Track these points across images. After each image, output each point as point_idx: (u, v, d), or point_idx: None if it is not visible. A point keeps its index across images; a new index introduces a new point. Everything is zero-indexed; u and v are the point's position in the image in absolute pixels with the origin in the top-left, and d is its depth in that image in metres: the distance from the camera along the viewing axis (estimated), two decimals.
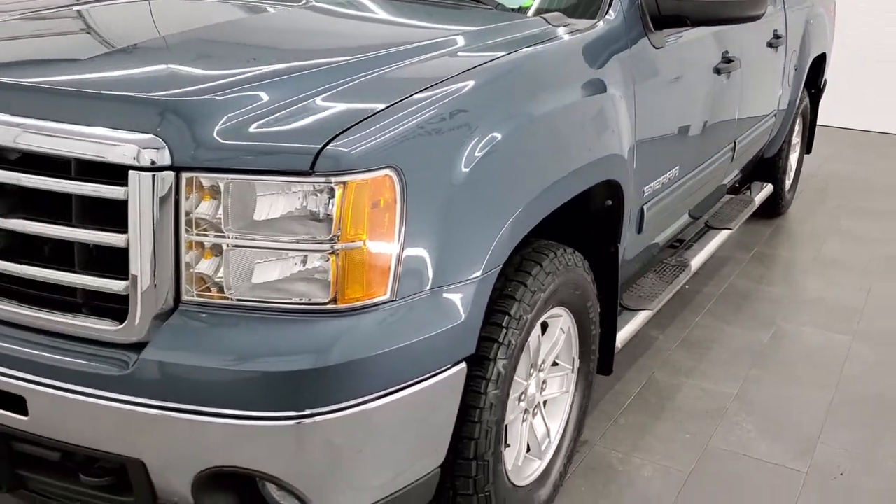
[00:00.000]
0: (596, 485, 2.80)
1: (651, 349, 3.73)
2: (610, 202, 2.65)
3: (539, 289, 2.23)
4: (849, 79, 7.41)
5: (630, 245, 2.89)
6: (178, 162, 1.72)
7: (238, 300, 1.78)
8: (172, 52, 2.16)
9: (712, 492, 2.79)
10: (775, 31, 4.31)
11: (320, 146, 1.70)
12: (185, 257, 1.76)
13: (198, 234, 1.75)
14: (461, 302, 1.91)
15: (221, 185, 1.73)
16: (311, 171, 1.69)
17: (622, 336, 2.94)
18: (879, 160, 7.09)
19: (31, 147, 1.79)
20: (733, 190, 4.71)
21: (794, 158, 5.60)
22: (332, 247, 1.73)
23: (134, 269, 1.76)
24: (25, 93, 1.86)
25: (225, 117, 1.76)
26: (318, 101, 1.85)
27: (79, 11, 2.67)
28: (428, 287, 1.86)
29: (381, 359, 1.77)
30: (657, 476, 2.86)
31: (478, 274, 1.94)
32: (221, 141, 1.73)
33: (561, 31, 2.50)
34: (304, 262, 1.75)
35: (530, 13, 2.72)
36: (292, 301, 1.77)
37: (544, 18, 2.57)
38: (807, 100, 5.52)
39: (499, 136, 2.01)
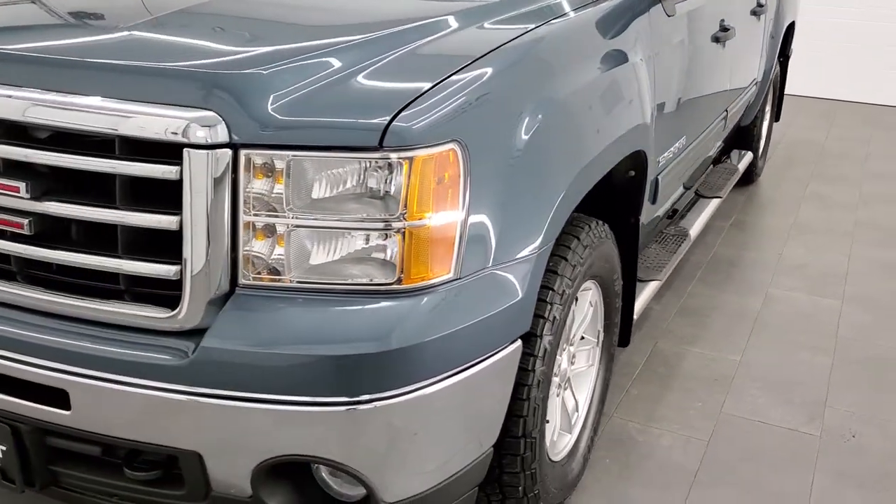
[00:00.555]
0: (619, 456, 2.79)
1: (650, 319, 3.75)
2: (633, 173, 2.62)
3: (578, 262, 2.20)
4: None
5: (645, 215, 2.88)
6: (237, 139, 1.64)
7: (298, 282, 1.71)
8: (211, 22, 2.05)
9: (733, 459, 2.81)
10: None
11: (388, 121, 1.63)
12: (243, 239, 1.68)
13: (256, 215, 1.67)
14: (519, 278, 1.87)
15: (282, 163, 1.65)
16: (379, 147, 1.62)
17: (637, 307, 2.94)
18: (830, 127, 7.22)
19: (72, 125, 1.68)
20: (715, 159, 4.74)
21: (765, 126, 5.66)
22: (398, 225, 1.66)
23: (187, 252, 1.67)
24: (67, 68, 1.75)
25: (284, 91, 1.67)
26: (368, 75, 1.77)
27: None
28: (489, 264, 1.81)
29: (447, 339, 1.72)
30: (677, 445, 2.87)
31: (535, 249, 1.90)
32: (282, 117, 1.64)
33: None
34: (369, 241, 1.68)
35: None
36: (355, 282, 1.70)
37: None
38: (777, 68, 5.57)
39: (549, 107, 1.97)
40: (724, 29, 3.49)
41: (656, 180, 2.88)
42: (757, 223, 5.04)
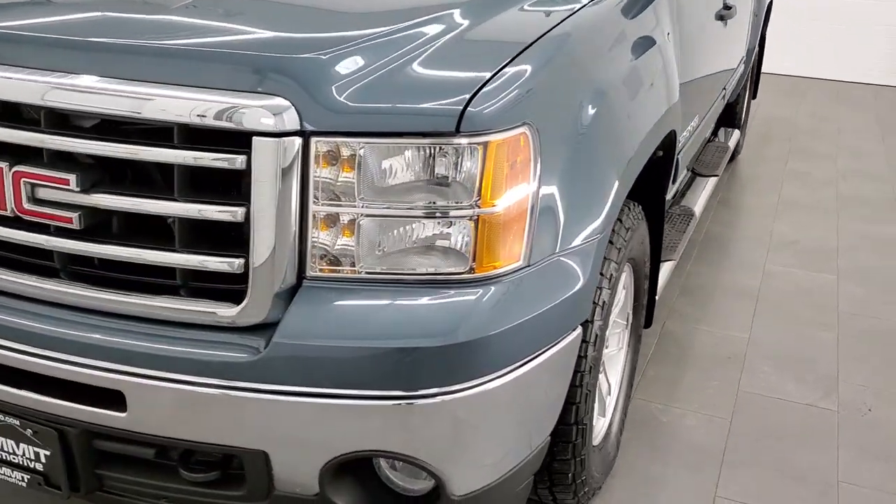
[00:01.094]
0: (646, 438, 2.79)
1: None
2: (661, 153, 2.60)
3: (623, 245, 2.18)
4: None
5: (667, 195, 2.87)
6: (307, 127, 1.57)
7: (367, 273, 1.65)
8: (259, 5, 1.96)
9: (757, 437, 2.83)
10: None
11: (464, 105, 1.57)
12: (311, 229, 1.62)
13: (325, 204, 1.61)
14: (582, 264, 1.83)
15: (354, 151, 1.58)
16: (455, 132, 1.57)
17: (658, 288, 2.93)
18: (799, 104, 7.31)
19: (131, 114, 1.60)
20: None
21: (744, 104, 5.71)
22: (471, 212, 1.62)
23: (254, 244, 1.61)
24: (125, 54, 1.66)
25: (353, 77, 1.61)
26: (430, 59, 1.71)
27: None
28: (556, 250, 1.77)
29: (519, 328, 1.68)
30: (700, 425, 2.88)
31: (597, 234, 1.87)
32: (354, 103, 1.58)
33: None
34: (440, 229, 1.63)
35: None
36: (427, 272, 1.65)
37: None
38: (756, 46, 5.60)
39: (604, 88, 1.93)
40: (726, 7, 3.49)
41: (676, 160, 2.87)
42: (743, 201, 5.08)
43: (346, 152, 1.59)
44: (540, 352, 1.75)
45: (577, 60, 1.90)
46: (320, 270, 1.65)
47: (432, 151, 1.59)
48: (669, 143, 2.56)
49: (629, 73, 2.11)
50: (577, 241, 1.82)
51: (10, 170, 1.67)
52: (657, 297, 2.88)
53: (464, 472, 1.74)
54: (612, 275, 2.10)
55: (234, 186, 1.67)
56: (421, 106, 1.59)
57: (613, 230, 2.15)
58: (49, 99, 1.63)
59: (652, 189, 2.66)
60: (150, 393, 1.66)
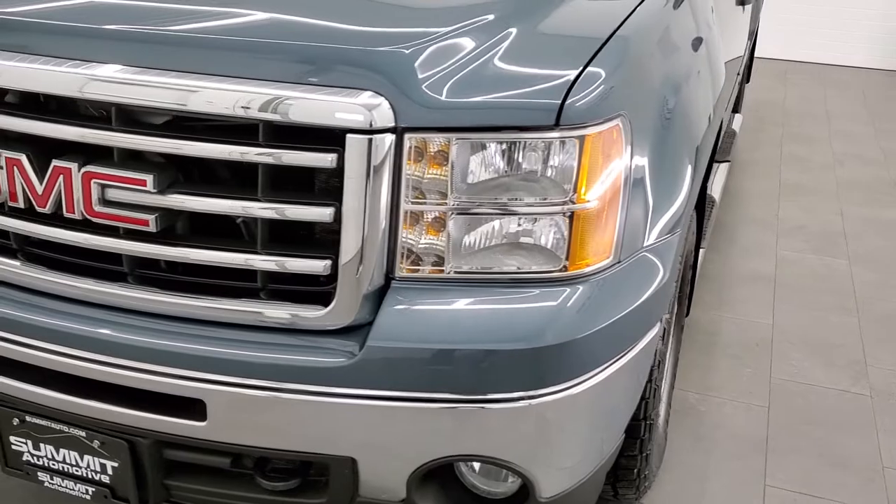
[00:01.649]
0: (689, 427, 2.78)
1: None
2: None
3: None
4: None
5: None
6: (402, 122, 1.51)
7: (458, 273, 1.60)
8: None
9: (797, 424, 2.83)
10: None
11: (562, 98, 1.52)
12: (402, 228, 1.56)
13: (418, 202, 1.55)
14: (664, 258, 1.79)
15: (448, 146, 1.53)
16: (555, 126, 1.52)
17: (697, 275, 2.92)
18: (786, 87, 7.36)
19: (209, 111, 1.52)
20: None
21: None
22: (568, 207, 1.57)
23: (345, 244, 1.54)
24: (209, 49, 1.58)
25: (445, 70, 1.54)
26: (518, 51, 1.64)
27: None
28: (642, 245, 1.73)
29: (613, 326, 1.64)
30: (739, 414, 2.88)
31: (678, 227, 1.83)
32: (448, 98, 1.52)
33: None
34: (535, 226, 1.59)
35: None
36: (518, 271, 1.60)
37: None
38: (756, 29, 5.62)
39: (680, 77, 1.90)
40: None
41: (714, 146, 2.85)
42: (744, 186, 5.09)
43: (439, 148, 1.53)
44: (627, 350, 1.72)
45: (656, 50, 1.86)
46: (409, 270, 1.59)
47: (529, 146, 1.54)
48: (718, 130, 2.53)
49: (693, 62, 2.08)
50: (661, 235, 1.78)
51: (79, 171, 1.59)
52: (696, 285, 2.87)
53: (552, 474, 1.70)
54: (676, 267, 2.07)
55: (320, 185, 1.61)
56: (518, 100, 1.53)
57: None
58: (124, 95, 1.55)
59: None
60: (235, 401, 1.60)
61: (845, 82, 7.54)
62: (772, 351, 3.27)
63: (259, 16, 1.67)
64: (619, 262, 1.67)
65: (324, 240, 1.61)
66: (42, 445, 1.80)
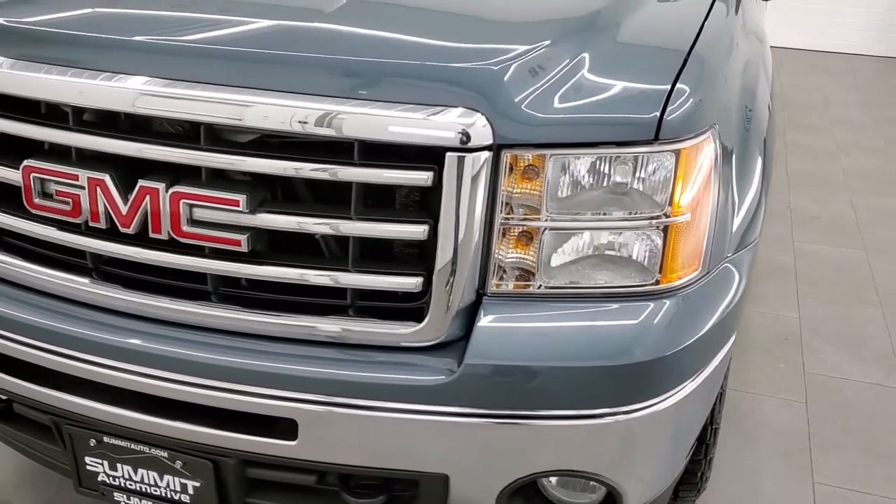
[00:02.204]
0: (734, 424, 2.80)
1: None
2: None
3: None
4: None
5: None
6: (500, 139, 1.49)
7: (550, 287, 1.59)
8: (408, 10, 1.86)
9: (837, 419, 2.86)
10: None
11: (660, 111, 1.52)
12: (496, 244, 1.55)
13: (512, 218, 1.55)
14: (742, 266, 1.80)
15: (545, 162, 1.52)
16: (654, 140, 1.51)
17: None
18: (781, 74, 7.38)
19: (304, 130, 1.50)
20: None
21: None
22: (663, 221, 1.57)
23: (441, 261, 1.53)
24: (299, 67, 1.55)
25: (539, 85, 1.53)
26: (606, 63, 1.63)
27: None
28: (727, 254, 1.74)
29: (700, 340, 1.64)
30: (780, 410, 2.90)
31: (756, 235, 1.84)
32: (544, 114, 1.51)
33: None
34: (629, 240, 1.58)
35: None
36: (611, 285, 1.60)
37: None
38: None
39: (753, 84, 1.90)
40: None
41: None
42: None
43: (535, 164, 1.52)
44: (710, 362, 1.72)
45: (729, 55, 1.86)
46: (502, 286, 1.59)
47: (625, 160, 1.53)
48: None
49: (754, 58, 2.09)
50: (741, 243, 1.78)
51: (166, 191, 1.56)
52: None
53: (638, 485, 1.71)
54: None
55: (407, 200, 1.60)
56: (616, 115, 1.53)
57: None
58: (217, 115, 1.53)
59: None
60: (328, 420, 1.59)
61: (839, 69, 7.60)
62: (802, 345, 3.30)
63: (340, 31, 1.64)
64: (707, 274, 1.67)
65: (414, 255, 1.60)
66: (119, 466, 1.78)
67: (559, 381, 1.54)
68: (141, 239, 1.63)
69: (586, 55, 1.63)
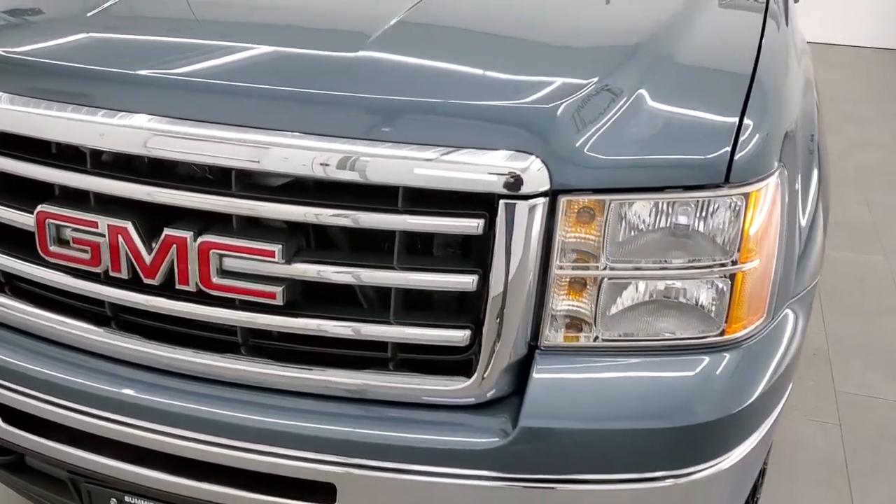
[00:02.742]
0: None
1: None
2: None
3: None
4: None
5: None
6: (557, 184, 1.38)
7: (608, 339, 1.48)
8: (453, 40, 1.73)
9: (874, 442, 2.77)
10: None
11: (730, 153, 1.40)
12: (551, 294, 1.44)
13: (569, 267, 1.43)
14: (805, 309, 1.70)
15: (605, 208, 1.41)
16: (724, 183, 1.40)
17: None
18: None
19: (342, 177, 1.38)
20: None
21: None
22: (731, 268, 1.46)
23: (491, 312, 1.42)
24: (330, 106, 1.43)
25: (598, 125, 1.42)
26: (665, 99, 1.52)
27: None
28: (791, 296, 1.63)
29: (766, 392, 1.54)
30: (815, 432, 2.81)
31: (818, 273, 1.73)
32: (605, 155, 1.39)
33: None
34: (694, 288, 1.47)
35: None
36: (673, 337, 1.49)
37: None
38: None
39: (809, 101, 1.79)
40: None
41: None
42: None
43: (595, 210, 1.41)
44: (773, 413, 1.62)
45: (788, 77, 1.75)
46: (556, 339, 1.48)
47: (692, 204, 1.42)
48: None
49: (811, 81, 1.98)
50: (803, 283, 1.68)
51: (195, 240, 1.44)
52: None
53: None
54: None
55: (452, 247, 1.49)
56: (683, 157, 1.41)
57: None
58: (233, 157, 1.41)
59: None
60: (369, 485, 1.48)
61: (845, 63, 7.50)
62: (830, 360, 3.20)
63: (378, 65, 1.52)
64: (771, 320, 1.57)
65: (459, 305, 1.49)
66: None
67: (620, 443, 1.44)
68: (166, 289, 1.51)
69: (645, 88, 1.51)
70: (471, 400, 1.48)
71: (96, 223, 1.49)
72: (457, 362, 1.49)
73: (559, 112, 1.40)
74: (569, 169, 1.38)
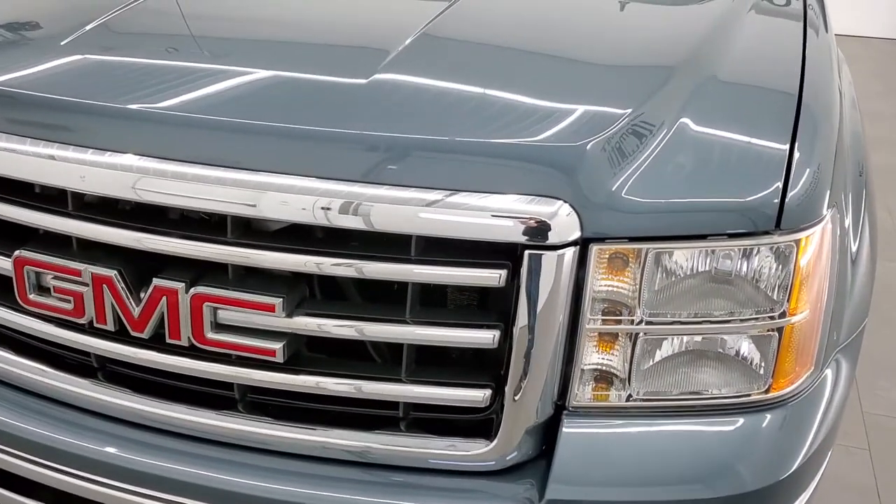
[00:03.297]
0: None
1: None
2: None
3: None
4: None
5: None
6: (588, 232, 1.24)
7: (644, 399, 1.35)
8: (468, 64, 1.57)
9: None
10: None
11: (780, 196, 1.26)
12: (582, 350, 1.30)
13: (602, 320, 1.30)
14: (854, 357, 1.56)
15: (641, 257, 1.27)
16: (774, 230, 1.26)
17: None
18: None
19: (346, 225, 1.24)
20: None
21: None
22: (779, 321, 1.32)
23: (514, 370, 1.29)
24: (332, 144, 1.28)
25: (632, 166, 1.28)
26: (706, 134, 1.38)
27: None
28: (839, 345, 1.49)
29: (816, 453, 1.40)
30: (842, 458, 2.67)
31: (866, 317, 1.59)
32: (642, 199, 1.25)
33: None
34: (739, 343, 1.33)
35: None
36: (715, 395, 1.35)
37: None
38: None
39: (858, 123, 1.66)
40: None
41: None
42: None
43: (630, 259, 1.27)
44: (820, 470, 1.49)
45: (835, 97, 1.60)
46: (587, 398, 1.34)
47: (739, 254, 1.28)
48: None
49: (853, 105, 1.83)
50: (853, 328, 1.54)
51: (187, 292, 1.30)
52: None
53: None
54: None
55: (475, 297, 1.35)
56: (727, 201, 1.27)
57: None
58: (225, 201, 1.27)
59: None
60: None
61: (858, 54, 7.31)
62: (856, 379, 3.06)
63: (386, 98, 1.38)
64: (820, 371, 1.43)
65: (479, 360, 1.35)
66: None
67: None
68: (156, 342, 1.37)
69: (684, 119, 1.37)
70: (491, 465, 1.34)
71: (79, 272, 1.35)
72: (476, 422, 1.36)
73: (590, 149, 1.26)
74: (602, 215, 1.24)
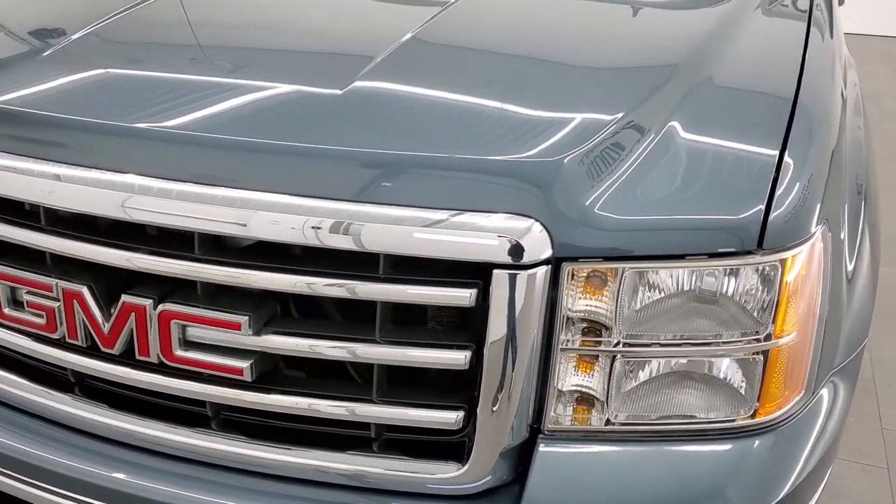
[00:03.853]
0: None
1: None
2: None
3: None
4: None
5: None
6: (561, 251, 1.20)
7: (623, 423, 1.30)
8: (452, 71, 1.54)
9: None
10: None
11: (763, 215, 1.21)
12: (556, 372, 1.26)
13: (577, 341, 1.26)
14: (850, 379, 1.50)
15: (617, 277, 1.23)
16: (756, 250, 1.21)
17: None
18: None
19: (323, 242, 1.22)
20: None
21: None
22: (764, 345, 1.27)
23: (486, 392, 1.25)
24: (310, 160, 1.26)
25: (611, 182, 1.23)
26: (689, 150, 1.33)
27: None
28: (834, 366, 1.44)
29: (810, 478, 1.35)
30: (859, 477, 2.59)
31: (866, 338, 1.53)
32: (618, 217, 1.21)
33: None
34: (721, 366, 1.28)
35: None
36: (697, 420, 1.30)
37: None
38: None
39: (860, 131, 1.61)
40: None
41: None
42: None
43: (606, 279, 1.23)
44: (818, 491, 1.43)
45: (835, 117, 1.54)
46: (565, 421, 1.30)
47: (719, 275, 1.23)
48: None
49: (858, 104, 1.77)
50: (849, 349, 1.48)
51: (154, 308, 1.29)
52: None
53: None
54: None
55: (447, 318, 1.32)
56: (707, 218, 1.22)
57: None
58: (211, 220, 1.24)
59: None
60: None
61: (887, 54, 7.16)
62: (876, 393, 2.98)
63: (371, 117, 1.34)
64: (812, 394, 1.37)
65: (453, 380, 1.32)
66: None
67: None
68: (128, 358, 1.35)
69: (670, 133, 1.33)
70: (464, 488, 1.31)
71: (50, 287, 1.34)
72: (449, 444, 1.32)
73: (565, 164, 1.22)
74: (575, 233, 1.20)
